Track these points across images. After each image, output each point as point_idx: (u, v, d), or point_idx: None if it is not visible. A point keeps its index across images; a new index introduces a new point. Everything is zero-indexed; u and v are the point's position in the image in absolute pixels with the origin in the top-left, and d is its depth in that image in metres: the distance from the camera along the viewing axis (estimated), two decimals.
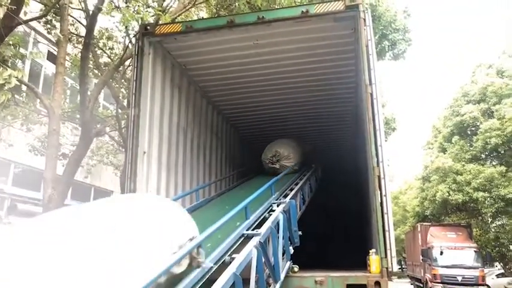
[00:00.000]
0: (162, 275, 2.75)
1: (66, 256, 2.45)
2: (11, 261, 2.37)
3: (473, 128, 23.31)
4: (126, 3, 10.35)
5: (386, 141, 17.10)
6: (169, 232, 3.18)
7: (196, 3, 10.60)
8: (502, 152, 21.77)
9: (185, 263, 3.21)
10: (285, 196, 7.02)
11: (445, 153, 23.38)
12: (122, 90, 13.60)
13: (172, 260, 2.94)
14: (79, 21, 12.08)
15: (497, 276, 24.22)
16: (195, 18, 12.22)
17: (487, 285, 18.88)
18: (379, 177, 5.91)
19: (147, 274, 2.59)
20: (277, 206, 5.99)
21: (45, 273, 2.32)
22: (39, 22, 11.91)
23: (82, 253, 2.50)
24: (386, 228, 5.70)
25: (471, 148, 22.59)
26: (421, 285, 20.75)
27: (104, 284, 2.42)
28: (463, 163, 21.76)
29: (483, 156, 23.17)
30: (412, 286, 24.05)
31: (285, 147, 10.34)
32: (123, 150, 13.12)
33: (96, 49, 12.71)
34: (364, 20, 6.53)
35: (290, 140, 10.85)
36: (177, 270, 3.08)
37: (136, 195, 4.88)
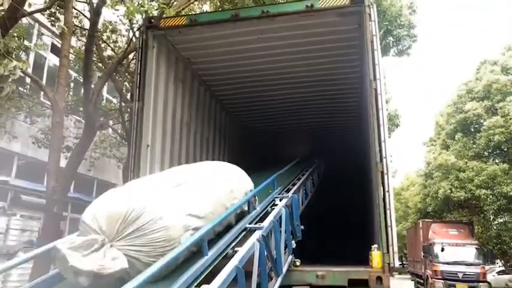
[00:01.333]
0: (239, 208, 4.58)
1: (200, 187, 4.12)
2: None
3: (476, 125, 23.22)
4: None
5: (389, 137, 17.08)
6: (240, 183, 5.04)
7: None
8: (505, 149, 21.69)
9: (245, 206, 4.96)
10: (288, 191, 7.02)
11: (448, 150, 23.32)
12: (126, 83, 13.62)
13: (243, 200, 4.72)
14: (83, 14, 12.09)
15: (498, 273, 24.26)
16: (199, 12, 12.20)
17: (488, 282, 18.87)
18: (382, 172, 5.92)
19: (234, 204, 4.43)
20: (280, 200, 5.99)
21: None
22: (43, 14, 11.93)
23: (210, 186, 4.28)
24: (389, 223, 5.71)
25: (474, 145, 22.52)
26: (422, 281, 20.79)
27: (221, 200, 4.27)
28: (466, 160, 21.69)
29: (486, 153, 23.08)
30: (413, 282, 24.11)
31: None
32: (126, 143, 13.16)
33: (100, 42, 12.72)
34: (369, 15, 6.50)
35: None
36: (244, 208, 4.91)
37: (216, 162, 6.37)
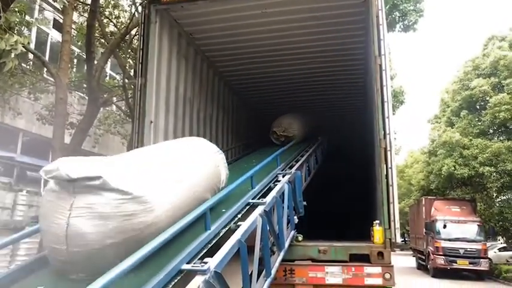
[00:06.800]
0: None
1: None
2: None
3: (482, 103, 22.97)
4: None
5: (394, 114, 16.98)
6: None
7: None
8: (511, 127, 21.56)
9: None
10: (291, 167, 7.05)
11: (452, 128, 23.18)
12: (129, 60, 13.54)
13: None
14: None
15: (500, 249, 24.48)
16: None
17: (489, 259, 19.12)
18: (385, 149, 5.91)
19: None
20: (283, 176, 6.02)
21: None
22: None
23: None
24: (391, 200, 5.73)
25: (479, 123, 22.37)
26: (424, 257, 21.05)
27: None
28: (471, 137, 21.59)
29: (491, 131, 22.96)
30: (415, 258, 24.42)
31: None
32: (130, 120, 13.19)
33: (103, 18, 12.60)
34: None
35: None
36: None
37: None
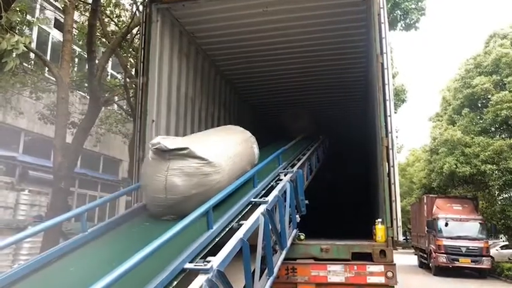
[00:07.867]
0: None
1: None
2: None
3: (484, 101, 22.90)
4: None
5: (395, 112, 16.96)
6: None
7: None
8: None
9: None
10: (293, 166, 7.04)
11: (454, 126, 23.13)
12: (130, 59, 13.54)
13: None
14: None
15: (502, 247, 24.46)
16: None
17: (491, 257, 19.09)
18: (387, 147, 5.89)
19: None
20: (285, 175, 6.02)
21: None
22: None
23: None
24: (393, 198, 5.72)
25: (481, 121, 22.32)
26: (425, 255, 21.03)
27: None
28: (472, 135, 21.54)
29: (493, 128, 22.90)
30: (416, 257, 24.40)
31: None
32: (132, 119, 13.21)
33: (104, 17, 12.59)
34: None
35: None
36: None
37: None
